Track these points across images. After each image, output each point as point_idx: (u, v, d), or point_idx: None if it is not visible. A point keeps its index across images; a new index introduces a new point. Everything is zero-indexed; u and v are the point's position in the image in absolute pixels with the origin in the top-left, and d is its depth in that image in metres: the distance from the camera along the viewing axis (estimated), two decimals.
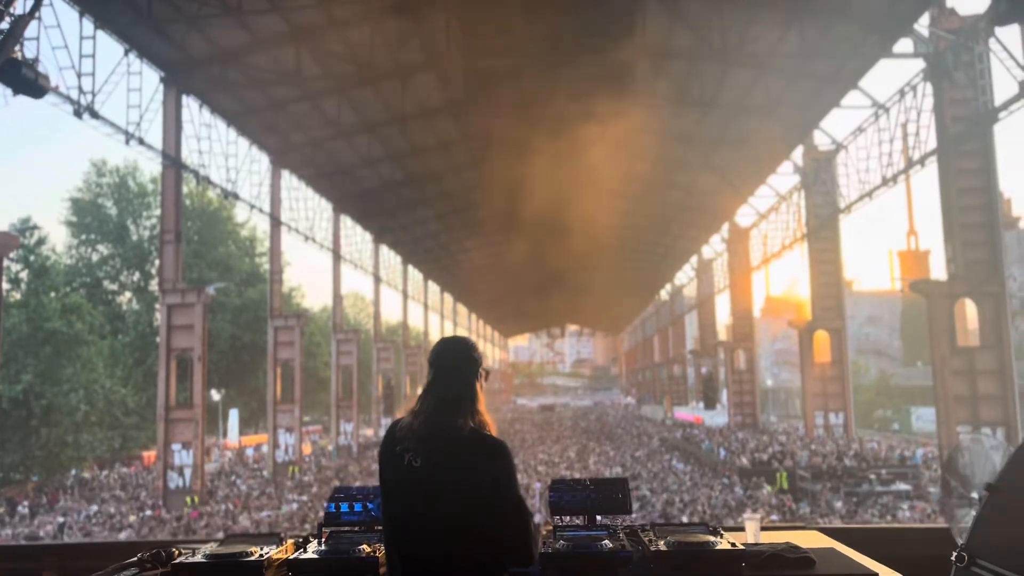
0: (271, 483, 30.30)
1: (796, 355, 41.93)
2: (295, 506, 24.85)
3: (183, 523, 21.94)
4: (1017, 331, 48.11)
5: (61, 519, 24.69)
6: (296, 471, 32.15)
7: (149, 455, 37.41)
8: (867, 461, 28.29)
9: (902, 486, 25.89)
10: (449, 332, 70.44)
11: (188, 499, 24.03)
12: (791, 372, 64.98)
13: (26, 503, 29.58)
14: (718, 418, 47.21)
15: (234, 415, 47.83)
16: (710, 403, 48.71)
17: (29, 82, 15.46)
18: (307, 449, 39.25)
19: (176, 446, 24.59)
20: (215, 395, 46.26)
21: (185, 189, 35.19)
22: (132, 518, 23.55)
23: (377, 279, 46.78)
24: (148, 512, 23.93)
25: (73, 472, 35.87)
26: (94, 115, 20.70)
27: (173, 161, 25.04)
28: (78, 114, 20.32)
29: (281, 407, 33.34)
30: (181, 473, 24.44)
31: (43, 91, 16.07)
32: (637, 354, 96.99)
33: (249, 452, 44.08)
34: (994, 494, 2.72)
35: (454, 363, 2.70)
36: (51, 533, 22.58)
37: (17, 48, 15.66)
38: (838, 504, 23.20)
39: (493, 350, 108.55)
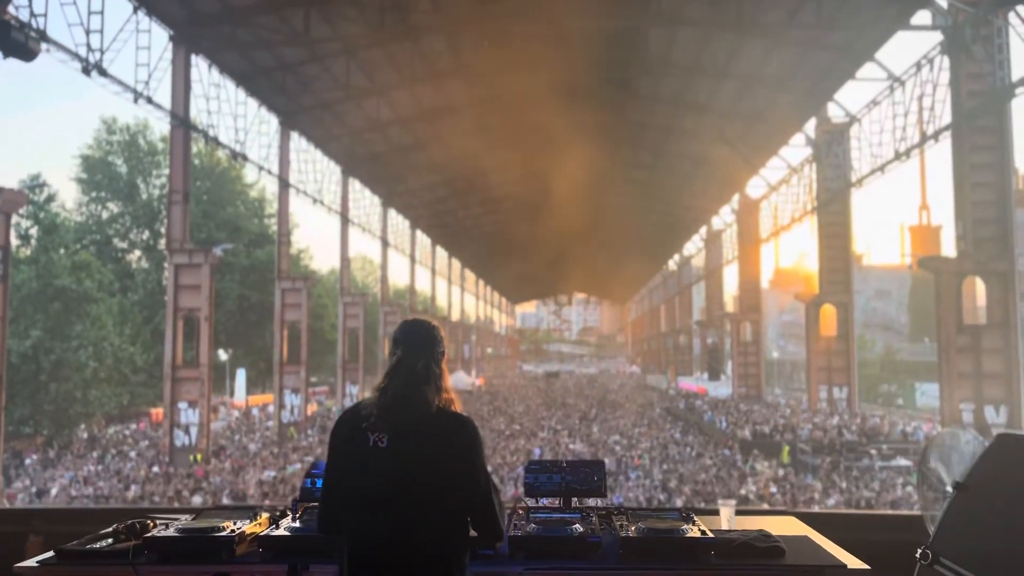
0: (276, 443, 30.61)
1: (803, 328, 41.82)
2: (298, 465, 25.13)
3: (190, 480, 22.20)
4: None
5: (69, 474, 25.04)
6: (294, 433, 32.30)
7: (156, 412, 37.81)
8: (868, 436, 28.33)
9: (903, 462, 25.92)
10: (456, 297, 70.57)
11: (191, 457, 24.30)
12: (797, 345, 64.90)
13: (35, 456, 30.03)
14: (722, 389, 47.27)
15: (241, 375, 48.19)
16: (714, 374, 48.77)
17: (19, 45, 15.28)
18: (313, 409, 39.57)
19: (183, 404, 24.82)
20: (222, 355, 46.55)
21: (194, 149, 35.08)
22: (141, 473, 23.85)
23: (385, 243, 46.78)
24: (155, 469, 24.23)
25: (82, 427, 36.33)
26: (102, 73, 20.61)
27: (182, 121, 24.95)
28: (86, 71, 20.23)
29: (287, 368, 33.55)
30: (187, 431, 24.70)
31: (34, 54, 15.89)
32: (643, 323, 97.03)
33: (255, 412, 44.50)
34: (961, 492, 2.71)
35: (421, 342, 2.73)
36: (62, 487, 22.91)
37: (25, 4, 15.57)
38: (842, 483, 23.22)
39: (500, 316, 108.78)
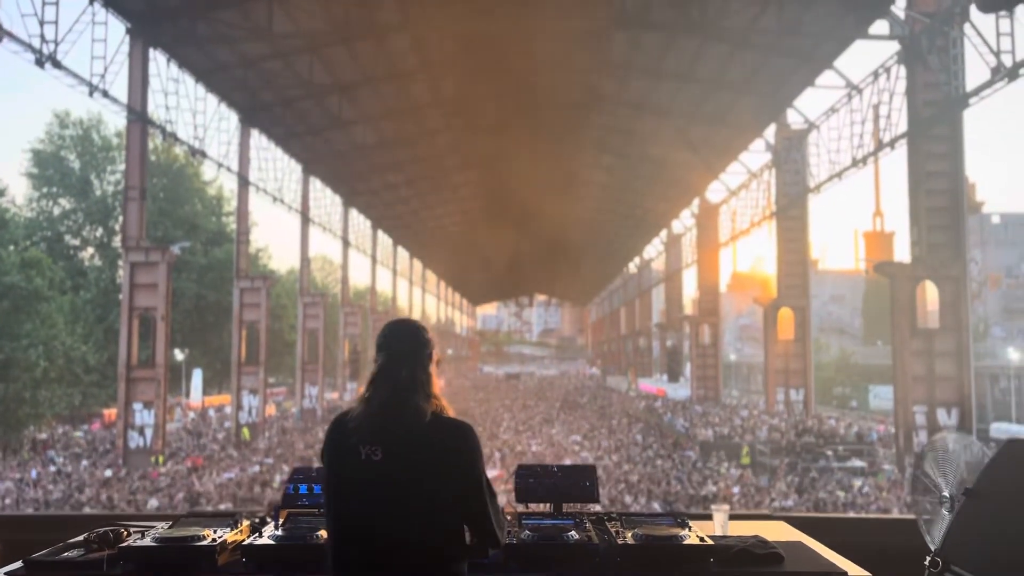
0: (235, 445, 30.06)
1: (760, 331, 42.38)
2: (257, 468, 24.70)
3: (143, 482, 21.66)
4: (975, 314, 49.06)
5: (14, 478, 24.25)
6: (247, 434, 31.64)
7: (110, 413, 36.87)
8: (824, 437, 28.76)
9: (857, 463, 26.37)
10: (418, 298, 70.14)
11: (153, 459, 23.76)
12: (754, 348, 65.78)
13: None
14: (681, 391, 47.66)
15: (197, 375, 47.30)
16: (674, 376, 49.10)
17: None
18: (271, 411, 38.93)
19: (137, 405, 24.26)
20: (179, 354, 45.66)
21: (151, 145, 34.28)
22: (93, 476, 23.18)
23: (346, 243, 46.30)
24: (108, 472, 23.61)
25: (31, 429, 35.29)
26: (57, 65, 20.09)
27: (139, 116, 24.38)
28: (40, 63, 19.72)
29: (246, 369, 32.98)
30: (142, 433, 24.13)
31: None
32: (604, 325, 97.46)
33: (211, 413, 43.69)
34: (971, 499, 2.68)
35: (406, 346, 2.59)
36: (3, 492, 22.18)
37: None
38: (799, 483, 23.52)
39: (461, 317, 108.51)
